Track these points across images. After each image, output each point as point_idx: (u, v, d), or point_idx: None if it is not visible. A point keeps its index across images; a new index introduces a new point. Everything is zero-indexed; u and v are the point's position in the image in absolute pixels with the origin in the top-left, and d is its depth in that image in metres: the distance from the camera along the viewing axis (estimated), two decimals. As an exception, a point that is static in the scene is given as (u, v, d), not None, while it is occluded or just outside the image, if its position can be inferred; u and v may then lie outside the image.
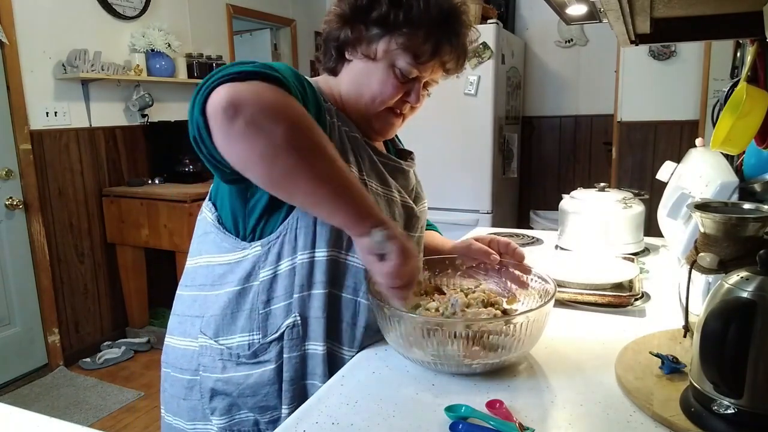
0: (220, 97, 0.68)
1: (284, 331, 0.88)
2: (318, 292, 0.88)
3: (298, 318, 0.88)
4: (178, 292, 1.00)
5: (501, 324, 0.81)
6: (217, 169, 0.80)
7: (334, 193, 0.74)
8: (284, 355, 0.89)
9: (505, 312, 0.94)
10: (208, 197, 0.96)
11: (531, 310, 0.83)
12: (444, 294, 1.00)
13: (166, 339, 1.01)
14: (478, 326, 0.80)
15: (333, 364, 0.91)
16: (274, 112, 0.69)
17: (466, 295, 0.96)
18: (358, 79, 0.92)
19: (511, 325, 0.80)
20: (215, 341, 0.92)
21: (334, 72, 0.96)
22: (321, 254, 0.87)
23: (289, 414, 0.87)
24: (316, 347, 0.89)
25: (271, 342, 0.89)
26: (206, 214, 0.95)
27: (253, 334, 0.90)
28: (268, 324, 0.89)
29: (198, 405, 0.94)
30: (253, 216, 0.88)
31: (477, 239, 1.09)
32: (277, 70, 0.76)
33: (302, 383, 0.90)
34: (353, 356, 0.92)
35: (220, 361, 0.91)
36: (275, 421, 0.90)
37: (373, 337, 0.94)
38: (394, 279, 0.76)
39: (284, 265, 0.88)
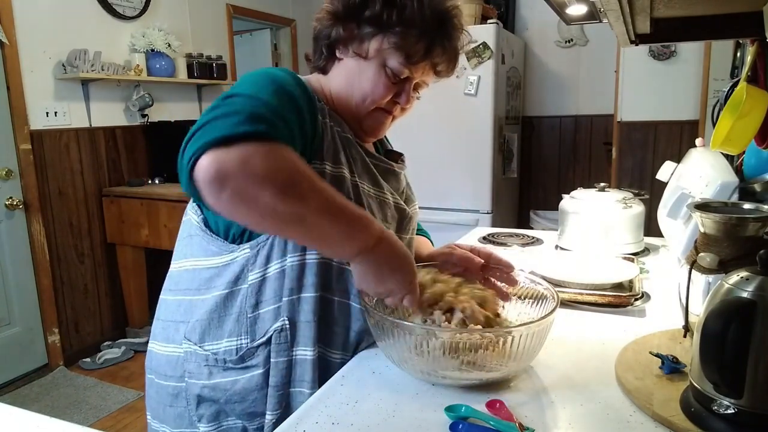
0: (205, 168, 0.66)
1: (272, 335, 0.87)
2: (309, 295, 0.87)
3: (287, 322, 0.87)
4: (161, 296, 0.98)
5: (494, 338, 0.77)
6: None
7: (326, 231, 0.73)
8: (271, 360, 0.88)
9: (498, 316, 0.91)
10: (192, 199, 0.88)
11: (528, 323, 0.78)
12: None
13: (149, 344, 0.99)
14: (467, 340, 0.77)
15: (324, 369, 0.90)
16: (259, 181, 0.67)
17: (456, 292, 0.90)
18: (349, 77, 0.92)
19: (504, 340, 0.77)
20: (200, 347, 0.90)
21: (324, 71, 0.96)
22: (312, 256, 0.86)
23: (273, 420, 0.86)
24: (305, 352, 0.88)
25: (258, 346, 0.88)
26: (191, 216, 0.94)
27: (240, 339, 0.88)
28: (257, 328, 0.88)
29: (184, 412, 0.93)
30: None
31: (458, 246, 1.04)
32: (266, 111, 0.72)
33: (289, 390, 0.89)
34: (346, 361, 0.90)
35: (205, 367, 0.90)
36: (263, 428, 0.89)
37: (368, 340, 0.93)
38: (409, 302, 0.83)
39: (273, 268, 0.86)
